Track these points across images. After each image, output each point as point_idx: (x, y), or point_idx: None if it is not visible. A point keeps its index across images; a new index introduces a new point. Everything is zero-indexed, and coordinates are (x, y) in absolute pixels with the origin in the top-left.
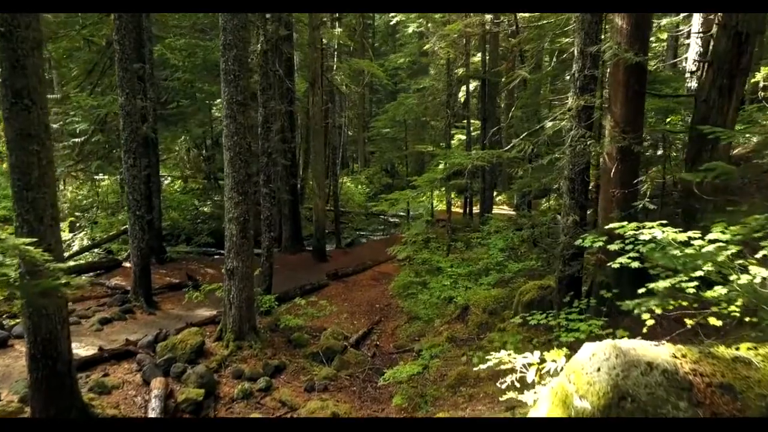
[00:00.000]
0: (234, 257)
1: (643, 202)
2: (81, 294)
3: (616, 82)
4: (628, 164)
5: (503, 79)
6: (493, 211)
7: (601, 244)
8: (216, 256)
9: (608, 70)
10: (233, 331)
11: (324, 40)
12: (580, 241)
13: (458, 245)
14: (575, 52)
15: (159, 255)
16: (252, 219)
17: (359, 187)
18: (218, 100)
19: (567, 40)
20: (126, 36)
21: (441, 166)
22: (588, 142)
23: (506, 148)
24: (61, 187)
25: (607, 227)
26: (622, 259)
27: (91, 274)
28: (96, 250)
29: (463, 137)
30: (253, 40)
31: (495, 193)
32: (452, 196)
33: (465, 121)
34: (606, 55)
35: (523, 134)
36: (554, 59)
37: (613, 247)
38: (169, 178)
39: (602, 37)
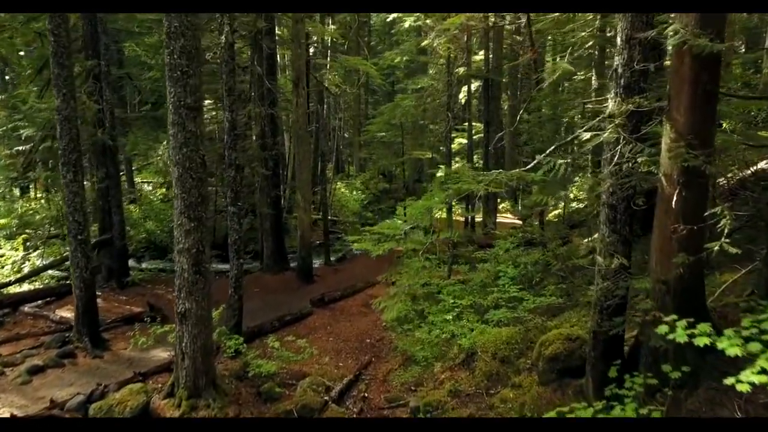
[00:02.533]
0: (185, 298)
1: (721, 242)
2: (16, 332)
3: (679, 78)
4: (695, 190)
5: (522, 74)
6: (497, 220)
7: (707, 342)
8: None
9: (667, 63)
10: (187, 387)
11: (314, 37)
12: (670, 334)
13: (461, 267)
14: (618, 40)
15: (120, 278)
16: (208, 250)
17: (354, 193)
18: (207, 102)
19: (582, 33)
20: (61, 25)
21: (443, 194)
22: (638, 160)
23: (529, 167)
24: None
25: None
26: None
27: (40, 302)
28: (52, 271)
29: (464, 141)
30: (224, 30)
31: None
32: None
33: (466, 123)
34: (670, 41)
35: (551, 147)
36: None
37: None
38: (151, 185)
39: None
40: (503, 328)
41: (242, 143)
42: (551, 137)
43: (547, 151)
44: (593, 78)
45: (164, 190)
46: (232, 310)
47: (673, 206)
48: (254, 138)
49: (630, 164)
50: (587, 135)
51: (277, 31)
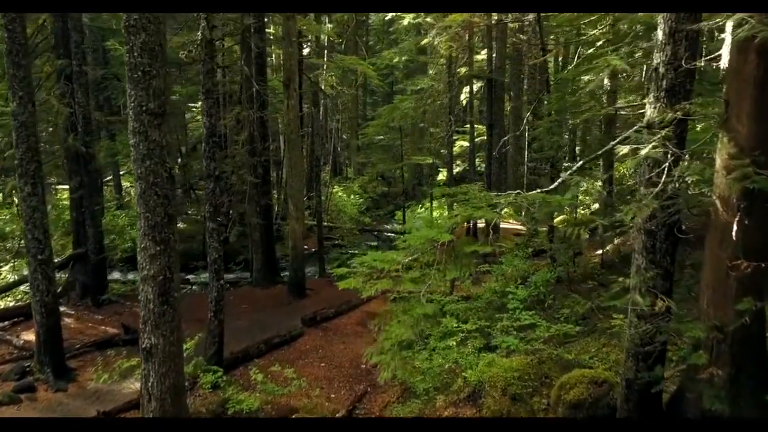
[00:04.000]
0: (151, 332)
1: None
2: None
3: (741, 80)
4: (760, 218)
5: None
6: (500, 226)
7: None
8: (184, 287)
9: (723, 62)
10: None
11: (309, 36)
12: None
13: (464, 284)
14: (659, 33)
15: (96, 295)
16: (175, 276)
17: (352, 197)
18: (199, 103)
19: (594, 31)
20: (16, 20)
21: (449, 219)
22: (687, 179)
23: (553, 186)
24: None
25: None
26: None
27: (6, 323)
28: (26, 287)
29: (465, 143)
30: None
31: None
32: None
33: (467, 126)
34: (730, 35)
35: (578, 163)
36: (577, 52)
37: None
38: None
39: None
40: (513, 358)
41: (232, 149)
42: (566, 145)
43: (574, 167)
44: (605, 80)
45: None
46: (211, 337)
47: (732, 236)
48: (241, 143)
49: (676, 184)
50: (623, 148)
51: (271, 30)
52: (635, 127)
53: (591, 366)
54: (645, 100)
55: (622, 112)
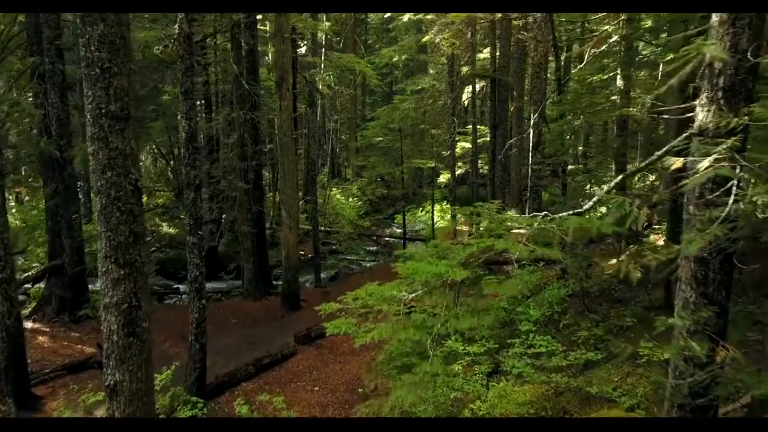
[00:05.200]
0: (116, 367)
1: None
2: None
3: None
4: None
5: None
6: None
7: None
8: (172, 297)
9: None
10: None
11: (308, 33)
12: None
13: (468, 300)
14: (714, 19)
15: (73, 311)
16: (144, 303)
17: (351, 200)
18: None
19: (607, 27)
20: None
21: (463, 251)
22: (757, 199)
23: (587, 207)
24: None
25: None
26: None
27: None
28: None
29: (467, 145)
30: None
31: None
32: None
33: (469, 126)
34: None
35: (617, 177)
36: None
37: None
38: None
39: None
40: (526, 387)
41: (224, 152)
42: (570, 146)
43: (612, 183)
44: (618, 78)
45: (145, 198)
46: (192, 363)
47: None
48: (231, 147)
49: (741, 205)
50: (675, 161)
51: (267, 27)
52: (684, 135)
53: (615, 399)
54: (696, 102)
55: (634, 112)
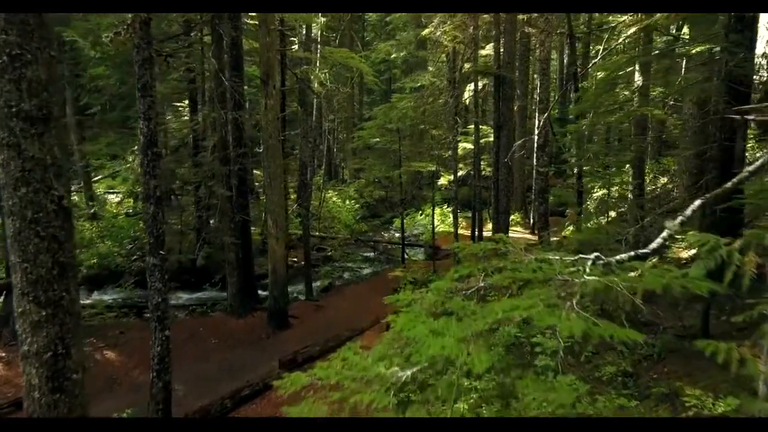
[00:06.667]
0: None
1: None
2: None
3: None
4: None
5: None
6: (508, 235)
7: None
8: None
9: None
10: None
11: (303, 27)
12: None
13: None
14: None
15: None
16: (74, 351)
17: (347, 202)
18: (186, 102)
19: (623, 18)
20: None
21: (481, 320)
22: None
23: (653, 247)
24: None
25: None
26: None
27: None
28: None
29: (469, 146)
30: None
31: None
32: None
33: (471, 126)
34: None
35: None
36: (602, 46)
37: None
38: (120, 195)
39: None
40: None
41: (204, 156)
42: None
43: (688, 211)
44: (636, 75)
45: (131, 201)
46: (155, 404)
47: None
48: (210, 150)
49: None
50: None
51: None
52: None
53: None
54: None
55: (656, 112)
